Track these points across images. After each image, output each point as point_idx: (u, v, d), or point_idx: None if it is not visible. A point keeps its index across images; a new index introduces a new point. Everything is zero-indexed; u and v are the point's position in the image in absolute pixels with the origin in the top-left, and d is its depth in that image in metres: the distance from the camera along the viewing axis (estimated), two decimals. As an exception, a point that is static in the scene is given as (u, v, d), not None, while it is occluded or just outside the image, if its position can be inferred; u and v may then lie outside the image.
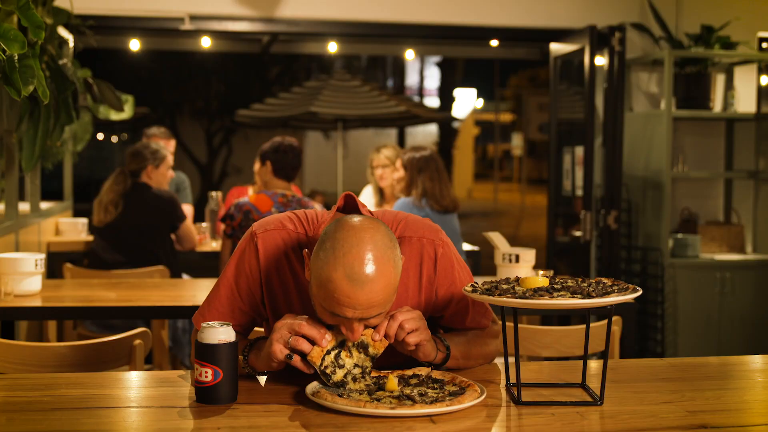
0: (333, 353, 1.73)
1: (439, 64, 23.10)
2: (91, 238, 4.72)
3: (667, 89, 5.30)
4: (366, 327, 1.76)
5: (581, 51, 5.27)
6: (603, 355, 1.74)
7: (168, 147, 5.27)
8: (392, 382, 1.72)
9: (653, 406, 1.68)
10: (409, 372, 1.80)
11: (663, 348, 5.33)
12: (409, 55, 7.60)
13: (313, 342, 1.73)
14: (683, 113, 5.37)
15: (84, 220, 5.42)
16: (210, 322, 1.69)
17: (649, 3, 5.59)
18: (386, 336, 1.75)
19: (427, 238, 1.92)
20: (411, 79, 23.45)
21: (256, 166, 5.35)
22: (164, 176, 4.62)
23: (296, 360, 1.73)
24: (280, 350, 1.73)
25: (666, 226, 5.30)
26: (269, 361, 1.75)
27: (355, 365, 1.75)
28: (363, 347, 1.76)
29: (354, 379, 1.74)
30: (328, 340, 1.73)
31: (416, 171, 4.27)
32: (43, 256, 3.26)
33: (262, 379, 1.76)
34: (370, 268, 1.64)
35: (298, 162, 4.13)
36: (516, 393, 1.71)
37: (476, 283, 1.78)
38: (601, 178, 5.41)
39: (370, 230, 1.68)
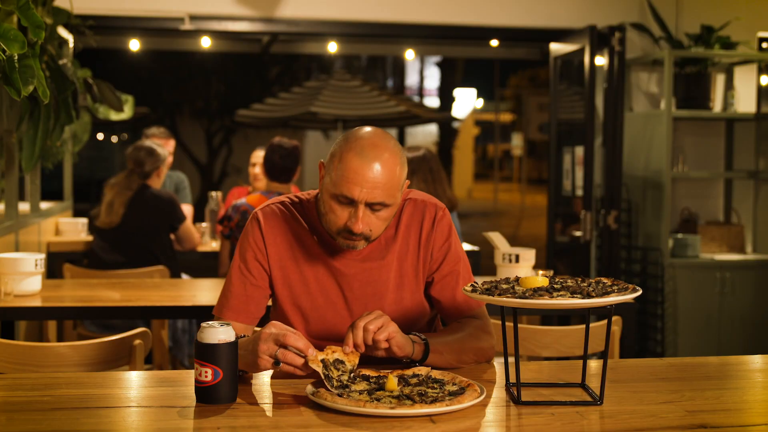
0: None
1: (439, 64, 23.11)
2: (90, 238, 4.71)
3: (667, 89, 5.30)
4: (366, 236, 1.91)
5: (581, 51, 5.27)
6: (603, 355, 1.74)
7: (167, 147, 5.27)
8: (392, 382, 1.72)
9: (653, 405, 1.68)
10: (409, 372, 1.80)
11: (663, 348, 5.33)
12: (409, 55, 7.60)
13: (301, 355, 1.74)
14: (683, 113, 5.37)
15: (84, 220, 5.41)
16: (210, 322, 1.70)
17: (649, 3, 5.59)
18: (356, 346, 1.78)
19: (430, 202, 2.09)
20: (411, 79, 23.47)
21: (250, 169, 5.37)
22: (164, 175, 4.65)
23: (284, 366, 1.74)
24: (267, 362, 1.75)
25: (666, 226, 5.30)
26: (254, 368, 1.77)
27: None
28: (340, 363, 1.75)
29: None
30: (314, 351, 1.73)
31: (409, 172, 4.24)
32: (43, 256, 3.26)
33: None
34: (378, 150, 1.87)
35: (288, 162, 4.06)
36: (516, 393, 1.71)
37: (476, 283, 1.78)
38: (601, 178, 5.41)
39: (383, 134, 1.93)
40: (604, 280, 1.75)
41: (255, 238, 2.02)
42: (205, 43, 6.05)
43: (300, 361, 1.72)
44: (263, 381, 1.85)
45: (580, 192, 5.44)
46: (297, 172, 4.18)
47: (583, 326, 2.36)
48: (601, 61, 5.51)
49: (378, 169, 1.86)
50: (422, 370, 1.81)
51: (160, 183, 4.60)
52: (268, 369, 1.77)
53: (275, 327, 1.77)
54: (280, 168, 4.07)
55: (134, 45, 6.12)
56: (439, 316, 2.18)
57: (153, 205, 4.45)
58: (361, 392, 1.71)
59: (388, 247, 2.03)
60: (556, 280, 1.76)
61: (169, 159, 5.30)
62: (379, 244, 2.02)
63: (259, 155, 5.27)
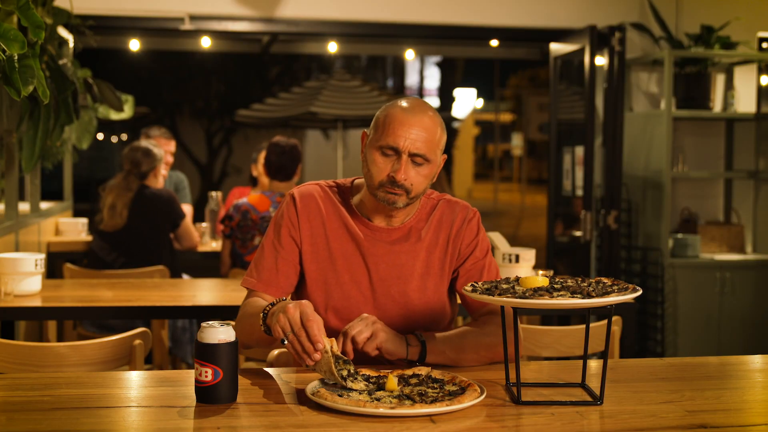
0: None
1: (439, 64, 23.11)
2: (90, 238, 4.71)
3: (667, 89, 5.30)
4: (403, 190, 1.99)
5: (581, 51, 5.27)
6: (603, 355, 1.74)
7: (168, 148, 5.27)
8: (392, 381, 1.72)
9: (653, 405, 1.68)
10: (409, 372, 1.81)
11: (663, 348, 5.33)
12: (409, 55, 7.59)
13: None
14: (683, 113, 5.37)
15: (84, 220, 5.41)
16: (210, 322, 1.69)
17: (649, 3, 5.59)
18: (344, 353, 1.82)
19: (462, 204, 2.18)
20: (411, 79, 23.44)
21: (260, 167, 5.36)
22: (161, 174, 4.64)
23: (288, 345, 1.76)
24: (279, 334, 1.77)
25: (666, 226, 5.30)
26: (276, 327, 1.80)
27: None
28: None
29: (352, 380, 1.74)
30: (324, 344, 1.73)
31: None
32: (43, 256, 3.25)
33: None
34: (422, 108, 2.01)
35: (284, 160, 4.09)
36: (516, 393, 1.71)
37: (476, 283, 1.78)
38: (601, 178, 5.41)
39: (425, 101, 2.07)
40: (604, 280, 1.75)
41: (290, 215, 2.10)
42: (205, 43, 6.04)
43: (307, 350, 1.72)
44: (263, 381, 1.85)
45: (580, 192, 5.44)
46: (297, 171, 4.20)
47: (583, 326, 2.36)
48: (601, 61, 5.51)
49: (422, 123, 1.97)
50: (422, 370, 1.81)
51: (159, 183, 4.59)
52: (277, 339, 1.79)
53: (309, 307, 1.77)
54: (277, 166, 4.10)
55: (134, 45, 6.12)
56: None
57: (153, 205, 4.44)
58: (361, 392, 1.71)
59: (419, 236, 2.10)
60: (556, 280, 1.76)
61: (170, 159, 5.30)
62: (409, 231, 2.10)
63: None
